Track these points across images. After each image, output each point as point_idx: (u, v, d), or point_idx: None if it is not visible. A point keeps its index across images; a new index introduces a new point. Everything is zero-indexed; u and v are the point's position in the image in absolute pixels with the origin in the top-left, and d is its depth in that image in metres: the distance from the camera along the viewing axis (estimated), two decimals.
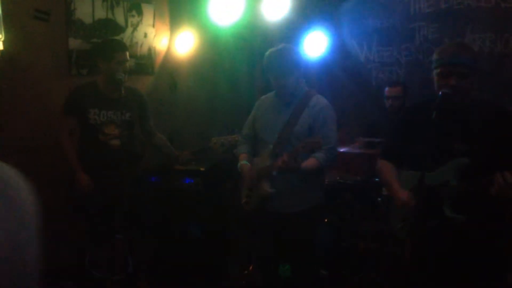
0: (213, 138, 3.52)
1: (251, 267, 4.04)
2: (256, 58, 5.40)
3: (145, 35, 4.81)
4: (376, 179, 4.03)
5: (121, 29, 4.55)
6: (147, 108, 3.88)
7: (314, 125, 3.10)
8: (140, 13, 4.74)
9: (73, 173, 3.59)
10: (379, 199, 3.98)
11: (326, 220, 3.88)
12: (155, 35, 4.91)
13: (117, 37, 4.42)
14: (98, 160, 3.61)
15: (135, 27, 4.70)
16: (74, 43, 4.15)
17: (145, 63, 4.86)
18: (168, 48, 5.08)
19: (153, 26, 4.88)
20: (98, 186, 3.58)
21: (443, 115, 2.54)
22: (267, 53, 3.18)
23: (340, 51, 5.39)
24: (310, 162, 3.04)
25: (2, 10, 3.53)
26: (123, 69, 3.56)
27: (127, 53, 3.65)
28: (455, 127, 2.55)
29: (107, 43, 3.80)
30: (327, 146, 3.05)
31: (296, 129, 3.11)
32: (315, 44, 5.23)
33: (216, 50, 5.31)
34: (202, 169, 4.27)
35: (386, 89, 4.52)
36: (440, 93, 2.54)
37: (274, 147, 3.12)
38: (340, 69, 5.43)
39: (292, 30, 5.18)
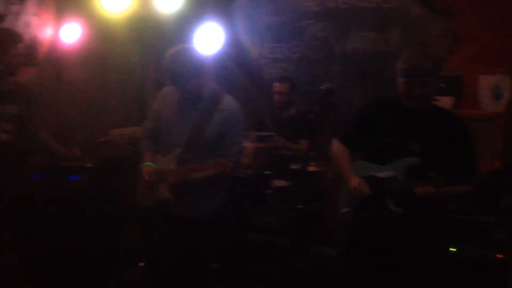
0: (112, 131, 3.41)
1: (140, 264, 3.97)
2: (148, 50, 5.30)
3: (27, 25, 4.54)
4: (266, 172, 4.13)
5: (0, 18, 4.27)
6: (35, 102, 3.67)
7: (225, 129, 3.04)
8: (21, 0, 4.46)
9: None
10: (269, 191, 4.08)
11: None
12: (38, 25, 4.65)
13: None
14: None
15: (16, 15, 4.42)
16: None
17: (27, 53, 4.59)
18: (54, 38, 4.84)
19: (36, 15, 4.62)
20: None
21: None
22: (166, 55, 2.99)
23: (233, 46, 5.43)
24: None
25: None
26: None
27: None
28: (412, 127, 2.68)
29: None
30: (235, 150, 3.04)
31: (206, 134, 3.02)
32: (209, 39, 5.23)
33: (105, 42, 5.13)
34: (89, 165, 4.11)
35: (275, 84, 4.64)
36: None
37: (183, 152, 3.03)
38: (233, 63, 5.47)
39: (185, 24, 5.14)
